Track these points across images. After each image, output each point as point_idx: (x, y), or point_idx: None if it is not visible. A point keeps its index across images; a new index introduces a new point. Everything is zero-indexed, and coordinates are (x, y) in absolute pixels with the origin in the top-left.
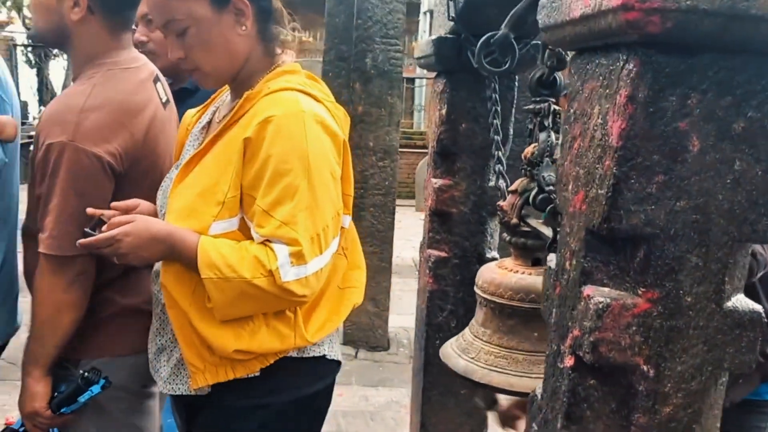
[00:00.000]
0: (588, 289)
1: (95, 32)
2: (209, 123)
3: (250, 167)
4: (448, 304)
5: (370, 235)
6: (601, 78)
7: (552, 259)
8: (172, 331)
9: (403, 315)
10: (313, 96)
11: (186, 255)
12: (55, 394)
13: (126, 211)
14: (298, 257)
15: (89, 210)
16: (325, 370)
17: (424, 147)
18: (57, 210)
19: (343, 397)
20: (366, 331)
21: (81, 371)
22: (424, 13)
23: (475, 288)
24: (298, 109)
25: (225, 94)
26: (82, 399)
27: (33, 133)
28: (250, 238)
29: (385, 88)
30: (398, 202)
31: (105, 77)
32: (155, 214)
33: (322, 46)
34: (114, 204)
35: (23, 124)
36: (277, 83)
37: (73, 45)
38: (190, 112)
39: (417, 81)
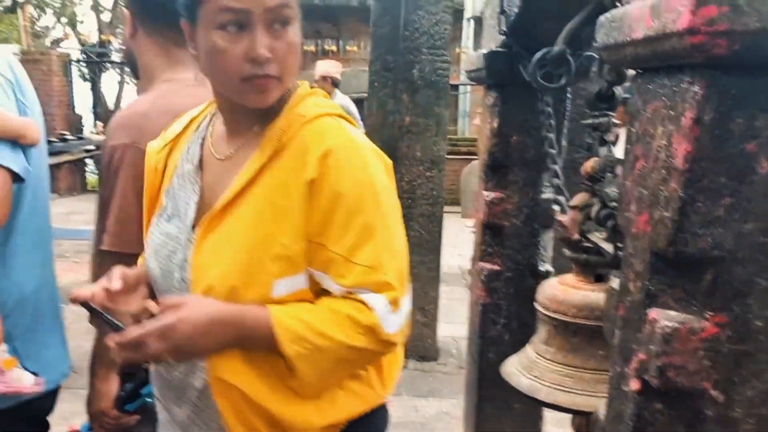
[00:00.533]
0: (654, 313)
1: (146, 48)
2: (201, 161)
3: (317, 210)
4: (502, 317)
5: (418, 245)
6: (664, 99)
7: (614, 278)
8: (217, 419)
9: (452, 324)
10: (348, 120)
11: (258, 335)
12: (121, 393)
13: (127, 288)
14: (396, 303)
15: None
16: (386, 412)
17: (469, 154)
18: (117, 209)
19: (393, 408)
20: (415, 341)
21: (143, 366)
22: (468, 19)
23: (536, 305)
24: (350, 138)
25: (203, 123)
26: (144, 391)
27: (89, 147)
28: (319, 294)
29: (433, 99)
30: (444, 209)
31: (169, 89)
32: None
33: (366, 56)
34: (100, 287)
35: (80, 138)
36: (308, 109)
37: (138, 65)
38: (153, 148)
39: (461, 88)
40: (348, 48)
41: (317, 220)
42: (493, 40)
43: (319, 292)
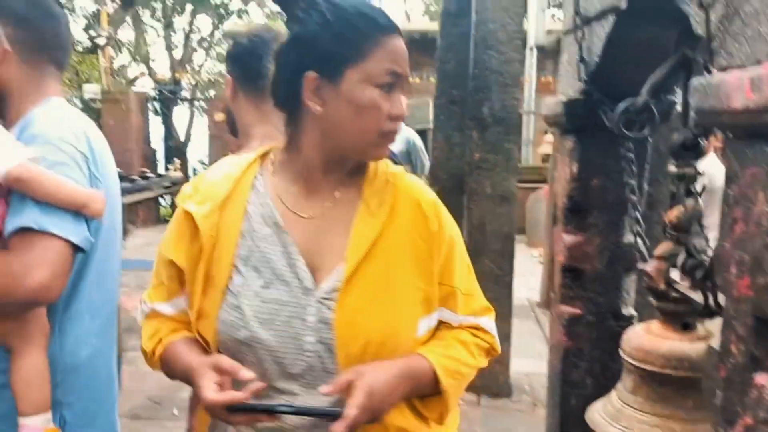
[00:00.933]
0: (760, 378)
1: (245, 108)
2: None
3: (441, 255)
4: (584, 361)
5: (489, 281)
6: (764, 165)
7: (701, 327)
8: None
9: (523, 359)
10: None
11: (425, 380)
12: None
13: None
14: (494, 321)
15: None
16: None
17: (534, 182)
18: None
19: None
20: (487, 378)
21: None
22: (530, 48)
23: (622, 353)
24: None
25: (258, 183)
26: None
27: (167, 184)
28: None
29: (503, 135)
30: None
31: (260, 145)
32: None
33: (427, 87)
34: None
35: (160, 175)
36: (386, 165)
37: (237, 123)
38: (201, 213)
39: (524, 117)
40: (410, 80)
41: (441, 263)
42: (571, 87)
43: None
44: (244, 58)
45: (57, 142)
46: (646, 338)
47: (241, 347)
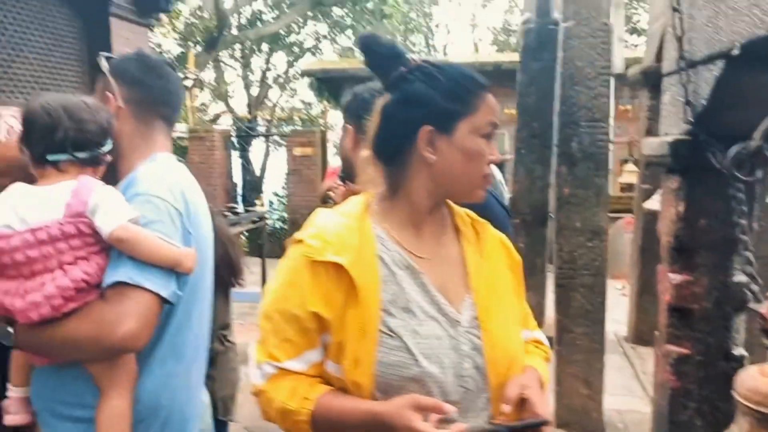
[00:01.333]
0: None
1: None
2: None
3: (520, 281)
4: (692, 401)
5: (581, 316)
6: None
7: None
8: None
9: (613, 396)
10: None
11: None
12: None
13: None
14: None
15: None
16: None
17: (615, 212)
18: None
19: None
20: (579, 414)
21: None
22: None
23: (735, 395)
24: None
25: (376, 231)
26: None
27: (255, 218)
28: None
29: (592, 170)
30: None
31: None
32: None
33: (501, 117)
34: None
35: (248, 210)
36: (455, 205)
37: (357, 172)
38: (351, 263)
39: None
40: None
41: (519, 287)
42: (675, 126)
43: None
44: (366, 111)
45: (156, 200)
46: (762, 381)
47: (409, 385)
